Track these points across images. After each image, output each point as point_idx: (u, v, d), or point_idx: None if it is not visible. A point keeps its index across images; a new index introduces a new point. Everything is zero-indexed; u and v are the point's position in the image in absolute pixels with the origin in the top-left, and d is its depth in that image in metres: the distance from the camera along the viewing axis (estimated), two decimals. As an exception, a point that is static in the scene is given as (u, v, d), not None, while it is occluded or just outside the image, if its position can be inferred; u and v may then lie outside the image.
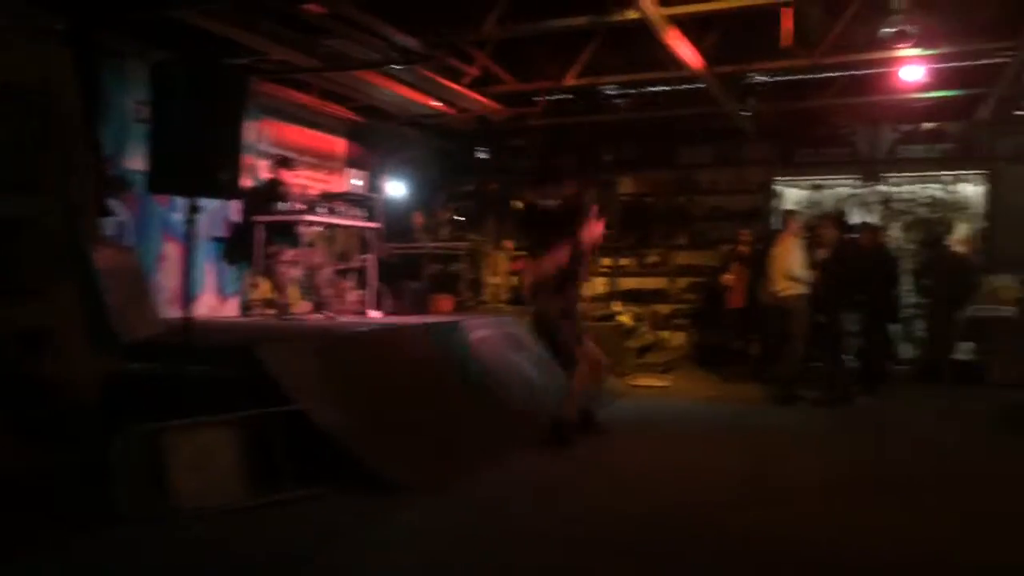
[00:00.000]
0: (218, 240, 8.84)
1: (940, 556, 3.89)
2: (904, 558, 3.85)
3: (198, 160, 5.07)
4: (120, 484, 4.10)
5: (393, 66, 8.31)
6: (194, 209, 5.26)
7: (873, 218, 11.57)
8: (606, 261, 12.70)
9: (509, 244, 11.79)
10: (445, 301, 9.70)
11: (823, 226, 8.65)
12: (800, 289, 8.25)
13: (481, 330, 7.95)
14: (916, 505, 4.77)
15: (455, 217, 11.59)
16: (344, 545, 3.94)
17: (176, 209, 7.99)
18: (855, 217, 11.23)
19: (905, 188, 11.77)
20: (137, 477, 4.20)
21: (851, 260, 8.21)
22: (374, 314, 8.38)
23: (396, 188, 11.02)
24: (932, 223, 11.40)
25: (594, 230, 6.45)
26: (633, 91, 10.45)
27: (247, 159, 8.79)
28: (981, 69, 9.28)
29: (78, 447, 4.47)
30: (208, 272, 8.81)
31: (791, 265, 8.29)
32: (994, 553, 3.97)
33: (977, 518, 4.53)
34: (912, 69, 8.87)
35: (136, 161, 7.38)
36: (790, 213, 9.40)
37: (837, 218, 9.45)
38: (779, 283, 8.35)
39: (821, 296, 8.22)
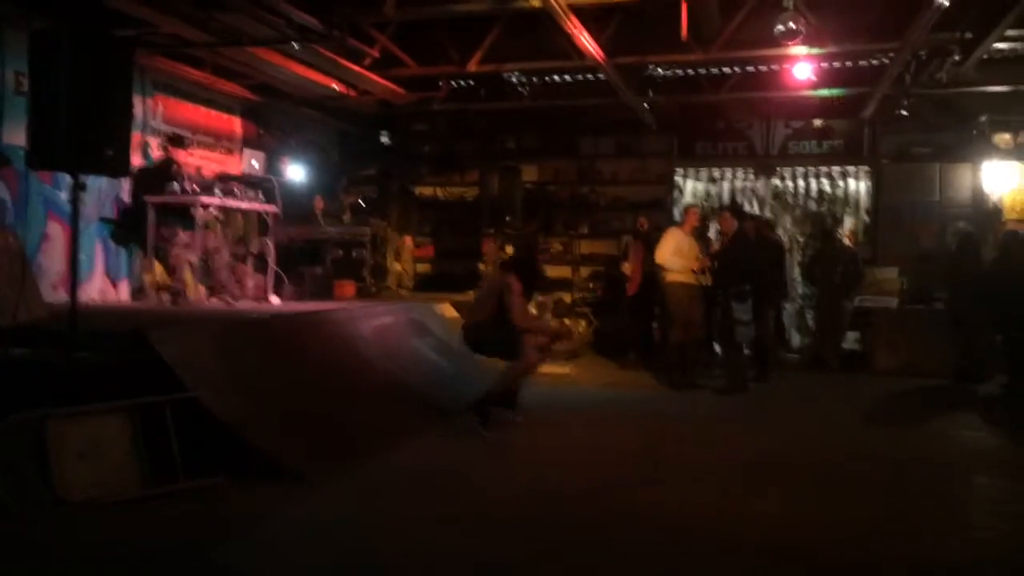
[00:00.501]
0: (108, 221, 8.46)
1: (814, 534, 4.10)
2: (772, 533, 4.07)
3: (82, 135, 4.83)
4: (1, 476, 3.88)
5: (291, 44, 8.09)
6: (79, 186, 5.01)
7: (766, 210, 12.02)
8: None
9: (408, 238, 11.76)
10: (347, 287, 9.56)
11: (722, 217, 8.94)
12: (676, 276, 8.57)
13: (384, 316, 7.89)
14: (794, 486, 5.03)
15: (358, 202, 11.43)
16: (236, 538, 3.86)
17: (61, 187, 7.60)
18: (748, 209, 11.63)
19: (796, 182, 12.24)
20: (20, 468, 3.99)
21: (737, 249, 8.51)
22: (274, 300, 8.19)
23: (296, 171, 10.77)
24: (821, 216, 11.92)
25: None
26: (536, 80, 10.51)
27: (137, 136, 8.46)
28: (866, 69, 9.74)
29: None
30: (97, 254, 8.41)
31: (663, 252, 8.64)
32: (863, 527, 4.23)
33: (851, 498, 4.80)
34: (802, 67, 9.23)
35: (16, 136, 6.96)
36: (689, 206, 9.67)
37: (735, 209, 9.77)
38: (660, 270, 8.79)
39: (713, 285, 8.54)
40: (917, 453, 5.97)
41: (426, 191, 13.71)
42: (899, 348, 9.84)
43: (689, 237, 8.74)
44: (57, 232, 7.79)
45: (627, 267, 10.25)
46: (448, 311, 9.48)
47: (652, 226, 10.40)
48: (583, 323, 12.09)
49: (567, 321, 12.02)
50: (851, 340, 10.45)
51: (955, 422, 7.22)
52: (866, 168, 11.87)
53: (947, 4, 6.46)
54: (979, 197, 10.99)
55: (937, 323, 9.48)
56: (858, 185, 11.99)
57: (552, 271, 12.56)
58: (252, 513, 4.17)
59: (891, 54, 8.70)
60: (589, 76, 10.27)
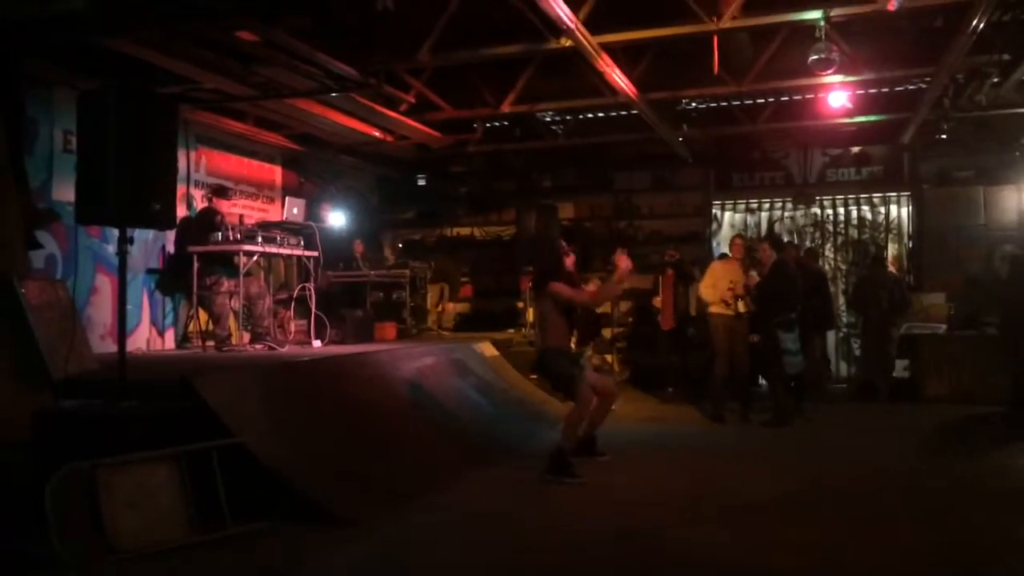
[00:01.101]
0: (153, 271, 8.65)
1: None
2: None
3: (129, 190, 4.96)
4: (55, 526, 3.94)
5: (329, 94, 8.27)
6: (126, 240, 5.14)
7: (806, 240, 11.89)
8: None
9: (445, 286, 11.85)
10: (388, 329, 9.63)
11: (761, 248, 8.89)
12: (715, 308, 8.66)
13: (425, 357, 7.92)
14: (847, 522, 4.87)
15: (397, 245, 11.56)
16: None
17: (109, 240, 7.80)
18: (788, 239, 11.52)
19: (836, 210, 12.11)
20: (72, 518, 4.04)
21: (778, 278, 8.43)
22: (316, 344, 8.27)
23: (336, 217, 10.94)
24: (864, 243, 11.77)
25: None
26: (570, 118, 10.58)
27: (182, 189, 8.67)
28: (903, 94, 9.67)
29: (9, 488, 4.30)
30: (144, 304, 8.60)
31: (702, 286, 8.86)
32: (929, 561, 4.08)
33: (911, 532, 4.65)
34: (837, 95, 9.19)
35: (66, 192, 7.19)
36: (735, 236, 9.67)
37: (774, 240, 9.70)
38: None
39: (754, 316, 8.47)
40: (976, 484, 5.77)
41: (464, 231, 13.81)
42: (949, 375, 9.61)
43: (733, 267, 8.76)
44: (105, 284, 7.99)
45: (658, 301, 10.16)
46: (488, 350, 9.49)
47: (684, 259, 10.36)
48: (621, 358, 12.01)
49: (608, 357, 11.95)
50: (899, 368, 10.23)
51: (1013, 451, 7.00)
52: (907, 193, 11.73)
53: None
54: (1026, 219, 10.77)
55: (988, 349, 9.23)
56: (899, 211, 11.84)
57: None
58: (299, 560, 4.16)
59: (928, 79, 8.62)
60: (623, 112, 10.34)
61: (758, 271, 8.70)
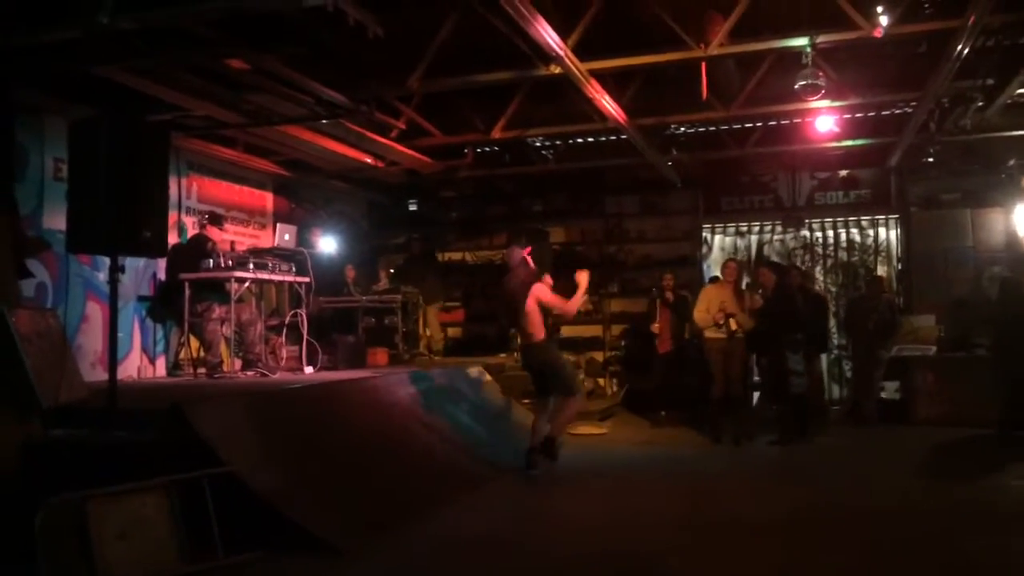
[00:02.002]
0: (144, 299, 8.63)
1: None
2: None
3: (120, 218, 4.97)
4: (44, 557, 3.89)
5: (319, 121, 8.31)
6: (117, 268, 5.13)
7: (796, 262, 11.95)
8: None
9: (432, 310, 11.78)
10: (380, 354, 9.60)
11: (760, 272, 8.96)
12: (710, 332, 8.81)
13: (418, 383, 7.89)
14: (846, 544, 4.87)
15: (389, 270, 11.54)
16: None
17: (99, 268, 7.78)
18: (780, 262, 11.58)
19: (825, 233, 12.18)
20: (62, 550, 4.00)
21: (783, 301, 8.48)
22: (308, 370, 8.25)
23: (327, 242, 10.94)
24: (854, 266, 11.84)
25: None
26: (560, 143, 10.65)
27: (173, 216, 8.67)
28: (890, 118, 9.77)
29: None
30: (135, 332, 8.56)
31: (695, 311, 9.02)
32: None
33: (910, 557, 4.64)
34: (824, 120, 9.28)
35: (56, 220, 7.17)
36: (728, 260, 9.76)
37: (772, 264, 9.81)
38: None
39: (760, 338, 8.50)
40: (969, 506, 5.78)
41: (455, 256, 13.82)
42: (940, 397, 9.63)
43: (724, 290, 8.85)
44: (96, 312, 7.95)
45: (656, 327, 10.18)
46: (481, 374, 9.47)
47: (677, 283, 10.41)
48: (615, 382, 12.02)
49: (600, 380, 11.96)
50: (890, 390, 10.25)
51: (1006, 472, 7.01)
52: (895, 216, 11.82)
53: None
54: (1013, 241, 10.84)
55: (979, 370, 9.25)
56: (888, 233, 11.92)
57: (583, 330, 12.55)
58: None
59: (914, 103, 8.73)
60: (612, 137, 10.40)
61: (762, 294, 8.76)
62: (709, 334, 8.78)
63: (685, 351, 9.94)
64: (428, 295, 11.60)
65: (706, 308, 8.82)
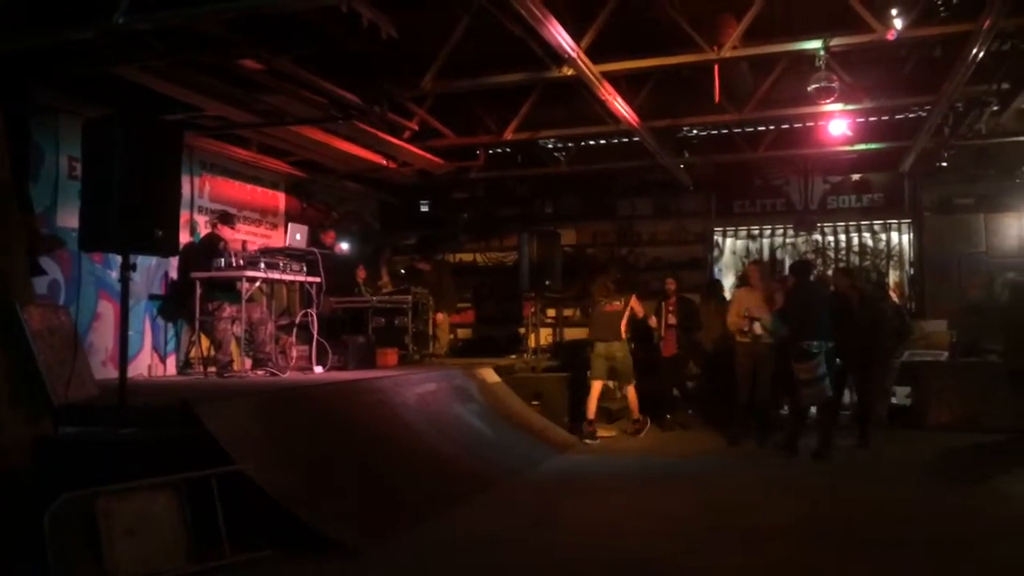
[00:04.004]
0: (156, 297, 8.66)
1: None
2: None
3: (133, 217, 4.99)
4: (54, 554, 3.91)
5: (332, 121, 8.33)
6: (129, 266, 5.16)
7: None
8: (550, 312, 12.79)
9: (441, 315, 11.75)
10: (390, 355, 9.60)
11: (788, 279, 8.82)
12: (739, 336, 8.68)
13: (427, 384, 7.90)
14: (858, 553, 4.84)
15: (399, 271, 11.54)
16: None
17: (112, 267, 7.82)
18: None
19: (837, 236, 12.13)
20: (72, 546, 4.02)
21: (798, 304, 8.31)
22: (317, 370, 8.26)
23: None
24: (866, 270, 11.77)
25: None
26: (572, 145, 10.65)
27: (186, 215, 8.70)
28: (903, 122, 9.72)
29: (9, 516, 4.28)
30: (146, 330, 8.60)
31: (729, 315, 8.87)
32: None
33: (925, 566, 4.60)
34: (837, 123, 9.24)
35: (69, 218, 7.22)
36: (752, 263, 9.68)
37: (793, 266, 9.64)
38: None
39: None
40: (984, 513, 5.72)
41: (466, 257, 13.83)
42: (951, 403, 9.53)
43: (752, 295, 8.78)
44: (107, 310, 7.99)
45: (653, 320, 10.07)
46: (490, 376, 9.46)
47: (684, 287, 10.37)
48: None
49: (610, 383, 11.89)
50: (901, 395, 10.17)
51: (1019, 478, 6.94)
52: (908, 221, 11.76)
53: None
54: (1028, 246, 10.79)
55: (991, 376, 9.18)
56: (900, 238, 11.87)
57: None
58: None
59: (927, 107, 8.68)
60: (624, 139, 10.39)
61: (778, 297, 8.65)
62: (739, 339, 8.72)
63: (691, 354, 9.90)
64: (442, 303, 11.59)
65: (736, 312, 8.75)
